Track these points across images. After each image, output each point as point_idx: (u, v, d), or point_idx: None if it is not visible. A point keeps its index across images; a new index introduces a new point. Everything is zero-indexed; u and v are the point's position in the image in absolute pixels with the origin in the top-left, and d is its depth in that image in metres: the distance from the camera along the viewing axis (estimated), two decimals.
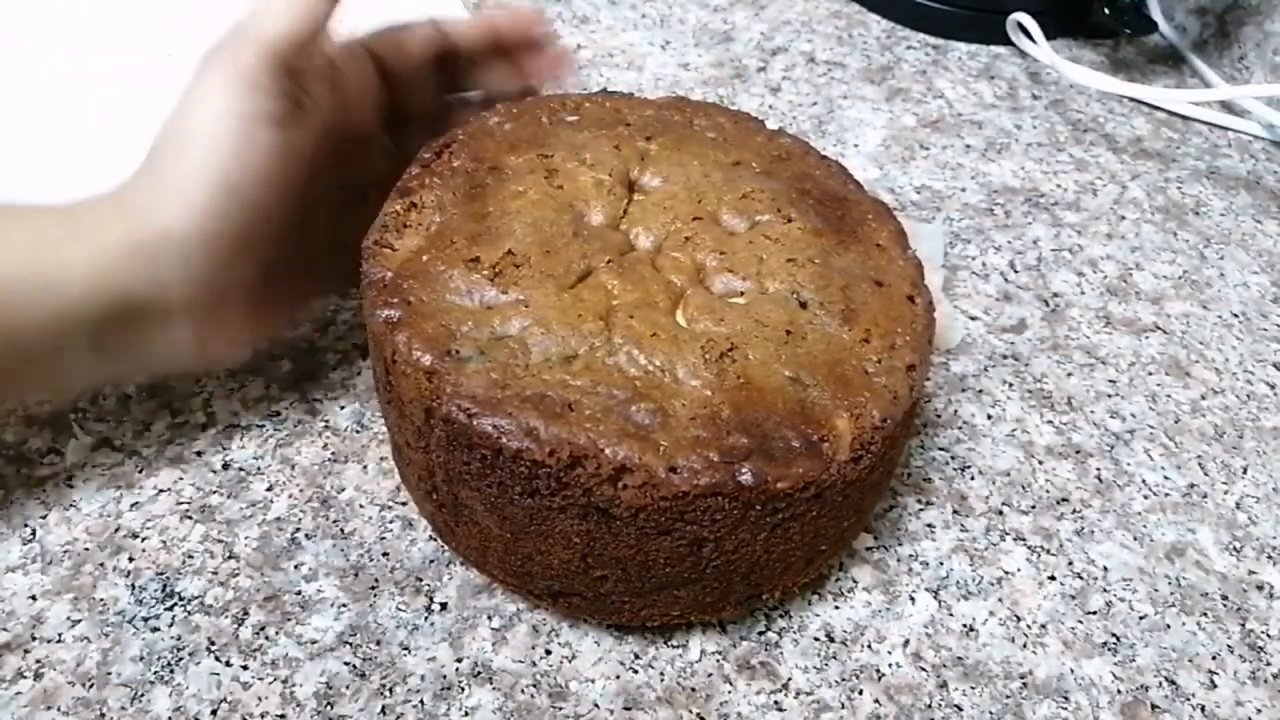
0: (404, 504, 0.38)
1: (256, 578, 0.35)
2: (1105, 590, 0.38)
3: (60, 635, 0.33)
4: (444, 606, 0.35)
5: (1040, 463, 0.42)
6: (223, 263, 0.33)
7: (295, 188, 0.34)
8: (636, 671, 0.34)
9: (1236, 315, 0.50)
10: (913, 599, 0.37)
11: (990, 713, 0.34)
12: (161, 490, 0.37)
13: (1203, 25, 0.67)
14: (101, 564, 0.35)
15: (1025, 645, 0.36)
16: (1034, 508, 0.41)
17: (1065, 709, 0.35)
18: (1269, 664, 0.37)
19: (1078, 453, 0.43)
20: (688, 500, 0.29)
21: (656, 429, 0.29)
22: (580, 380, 0.30)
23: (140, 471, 0.38)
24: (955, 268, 0.51)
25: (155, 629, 0.34)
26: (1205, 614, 0.38)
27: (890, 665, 0.35)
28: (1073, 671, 0.36)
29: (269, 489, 0.38)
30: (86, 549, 0.35)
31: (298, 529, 0.37)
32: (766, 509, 0.30)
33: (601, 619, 0.34)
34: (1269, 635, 0.37)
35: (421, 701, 0.33)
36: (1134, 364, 0.47)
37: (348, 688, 0.33)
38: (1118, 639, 0.37)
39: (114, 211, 0.32)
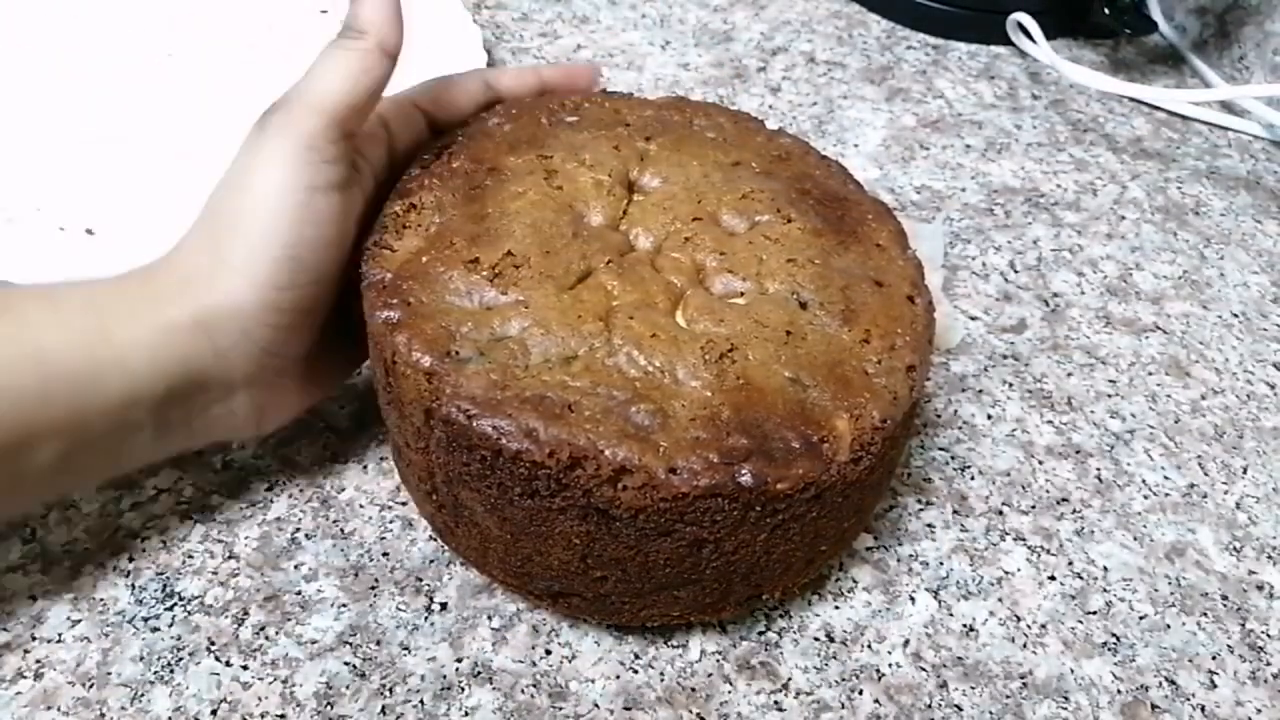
0: (404, 504, 0.38)
1: (256, 578, 0.35)
2: (1105, 590, 0.38)
3: (60, 635, 0.33)
4: (444, 606, 0.35)
5: (1040, 463, 0.42)
6: (285, 332, 0.32)
7: (351, 250, 0.34)
8: (636, 671, 0.34)
9: (1236, 315, 0.50)
10: (913, 599, 0.37)
11: (990, 713, 0.34)
12: (161, 490, 0.37)
13: (1203, 25, 0.67)
14: (101, 564, 0.35)
15: (1025, 645, 0.36)
16: (1034, 508, 0.41)
17: (1065, 709, 0.35)
18: (1269, 664, 0.37)
19: (1078, 453, 0.43)
20: (687, 501, 0.29)
21: (656, 430, 0.29)
22: (580, 381, 0.30)
23: (140, 471, 0.38)
24: (955, 268, 0.51)
25: (155, 629, 0.34)
26: (1205, 614, 0.38)
27: (890, 665, 0.35)
28: (1073, 671, 0.36)
29: (269, 489, 0.38)
30: (86, 549, 0.35)
31: (298, 529, 0.37)
32: (766, 510, 0.30)
33: (601, 619, 0.34)
34: (1269, 635, 0.37)
35: (421, 701, 0.33)
36: (1134, 364, 0.47)
37: (348, 688, 0.33)
38: (1118, 639, 0.37)
39: (175, 285, 0.31)
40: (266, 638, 0.34)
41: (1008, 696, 0.35)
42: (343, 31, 0.33)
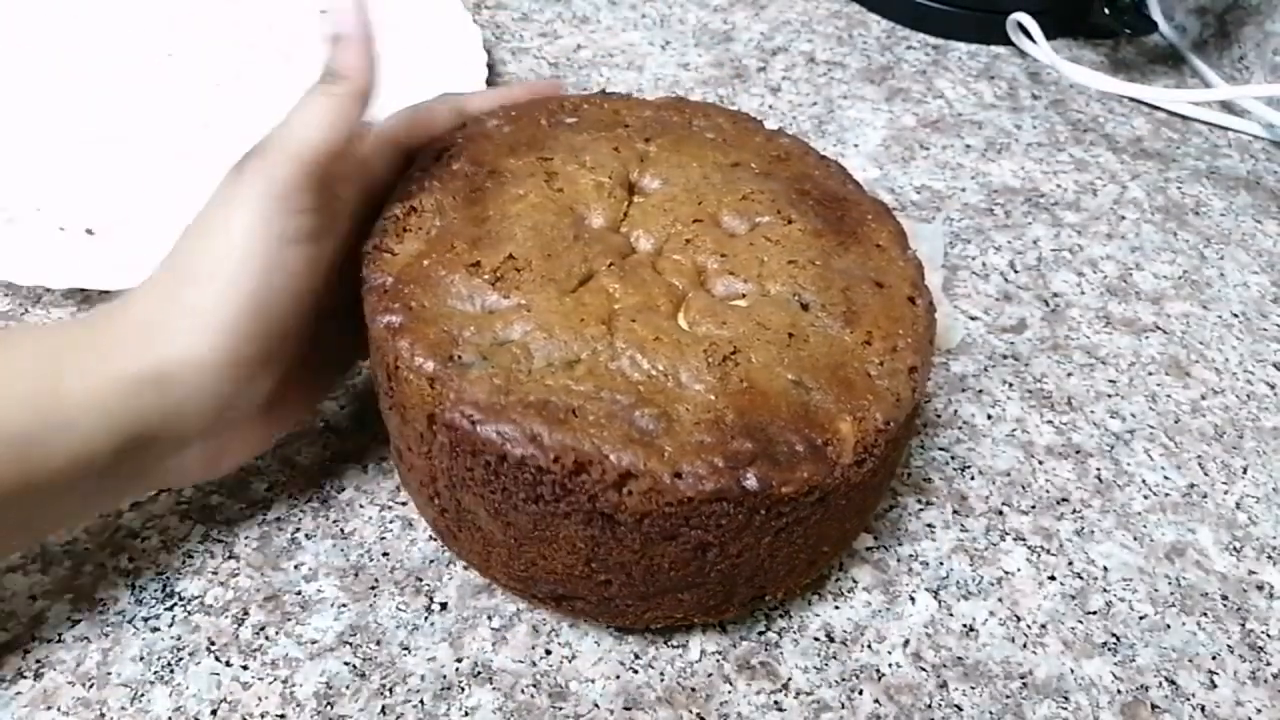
0: (404, 504, 0.38)
1: (256, 578, 0.35)
2: (1105, 590, 0.38)
3: (60, 635, 0.33)
4: (444, 606, 0.35)
5: (1040, 463, 0.42)
6: (244, 383, 0.32)
7: (320, 296, 0.33)
8: (636, 671, 0.34)
9: (1236, 315, 0.50)
10: (913, 599, 0.37)
11: (990, 713, 0.34)
12: (162, 490, 0.37)
13: (1203, 25, 0.67)
14: (101, 564, 0.35)
15: (1025, 645, 0.36)
16: (1034, 508, 0.41)
17: (1065, 709, 0.35)
18: (1269, 664, 0.37)
19: (1078, 453, 0.43)
20: (692, 506, 0.29)
21: (660, 434, 0.29)
22: (583, 385, 0.30)
23: None
24: (955, 268, 0.51)
25: (155, 629, 0.34)
26: (1205, 614, 0.38)
27: (890, 665, 0.35)
28: (1073, 671, 0.36)
29: (269, 489, 0.38)
30: (86, 549, 0.35)
31: (298, 529, 0.37)
32: (771, 513, 0.30)
33: (605, 622, 0.34)
34: (1269, 635, 0.38)
35: (421, 701, 0.33)
36: (1134, 364, 0.47)
37: (348, 688, 0.33)
38: (1118, 639, 0.37)
39: (133, 333, 0.30)
40: (266, 638, 0.34)
41: (1008, 696, 0.35)
42: (323, 76, 0.32)
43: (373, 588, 0.35)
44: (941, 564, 0.38)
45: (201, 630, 0.34)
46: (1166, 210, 0.56)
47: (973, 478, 0.41)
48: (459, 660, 0.34)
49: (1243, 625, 0.38)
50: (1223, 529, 0.41)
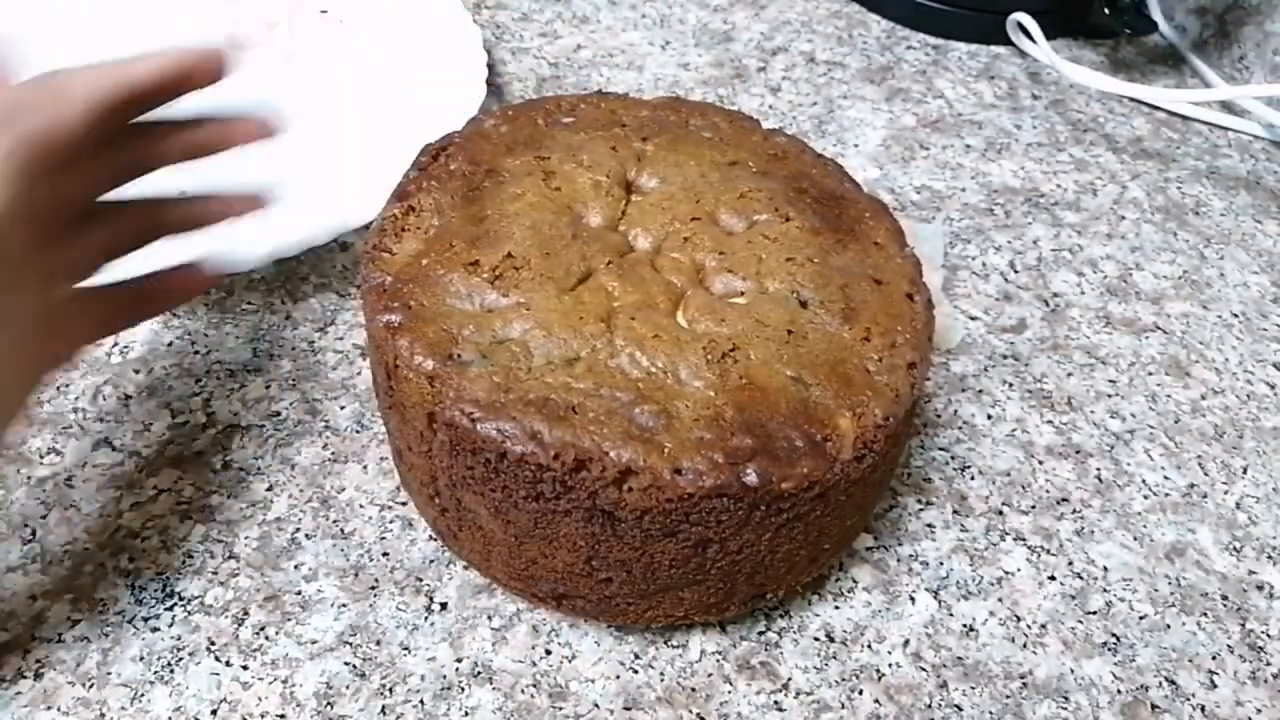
0: (404, 504, 0.38)
1: (256, 578, 0.35)
2: (1105, 590, 0.38)
3: (60, 635, 0.33)
4: (444, 606, 0.35)
5: (1040, 463, 0.42)
6: None
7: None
8: (636, 671, 0.34)
9: (1236, 315, 0.50)
10: (913, 599, 0.37)
11: (990, 713, 0.34)
12: (161, 490, 0.37)
13: (1203, 25, 0.67)
14: (101, 564, 0.35)
15: (1025, 645, 0.36)
16: (1034, 508, 0.41)
17: (1065, 709, 0.35)
18: (1269, 664, 0.37)
19: (1078, 453, 0.43)
20: (693, 502, 0.29)
21: (660, 431, 0.29)
22: (583, 383, 0.30)
23: (140, 471, 0.38)
24: (955, 268, 0.51)
25: (155, 629, 0.34)
26: (1205, 614, 0.38)
27: (890, 665, 0.35)
28: (1073, 671, 0.36)
29: (269, 489, 0.38)
30: (86, 549, 0.35)
31: (298, 529, 0.37)
32: (771, 509, 0.30)
33: (605, 621, 0.34)
34: (1269, 635, 0.37)
35: (421, 701, 0.33)
36: (1134, 364, 0.47)
37: (348, 688, 0.33)
38: (1118, 639, 0.37)
39: None
40: (266, 638, 0.34)
41: (1008, 696, 0.35)
42: None
43: (373, 588, 0.35)
44: (941, 564, 0.38)
45: (201, 630, 0.34)
46: (1166, 210, 0.56)
47: (973, 478, 0.41)
48: (459, 660, 0.34)
49: (1243, 625, 0.38)
50: (1223, 529, 0.41)
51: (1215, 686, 0.36)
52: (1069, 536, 0.40)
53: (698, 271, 0.34)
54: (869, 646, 0.36)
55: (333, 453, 0.39)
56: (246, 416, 0.40)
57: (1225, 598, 0.39)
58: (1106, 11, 0.64)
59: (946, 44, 0.66)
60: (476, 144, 0.37)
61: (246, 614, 0.34)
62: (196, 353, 0.42)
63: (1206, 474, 0.43)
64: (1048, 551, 0.39)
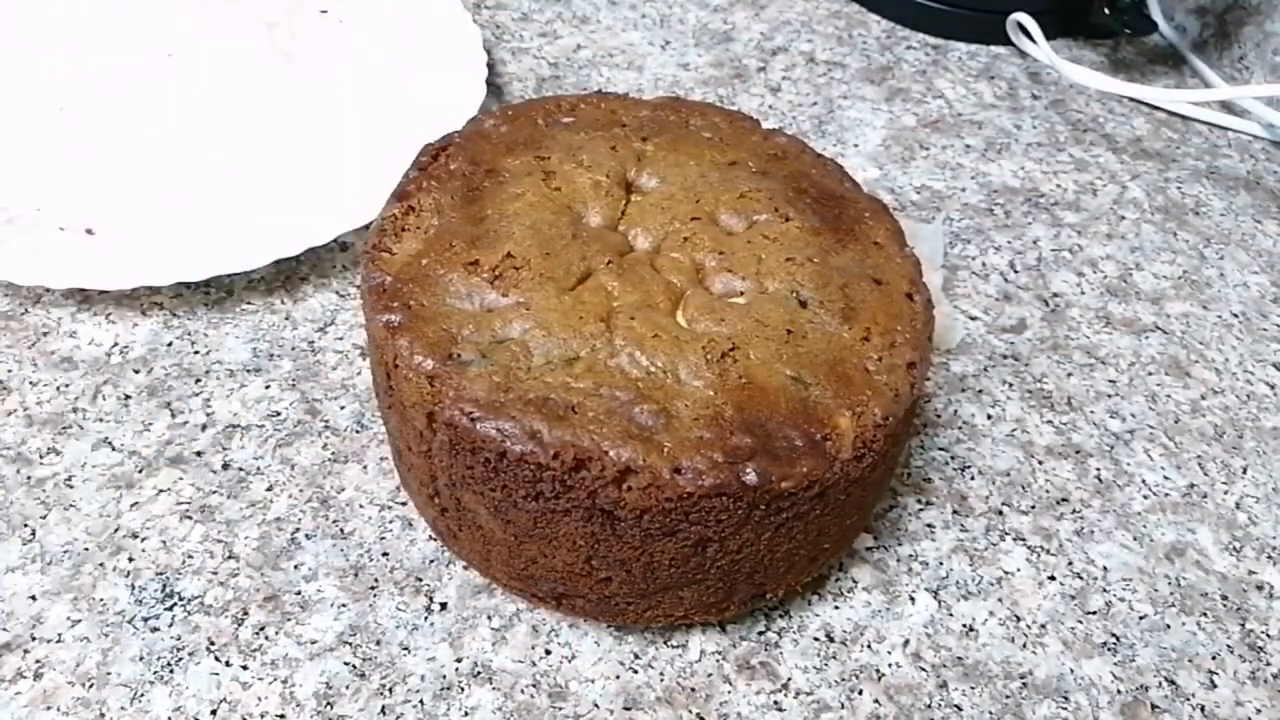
0: (404, 504, 0.38)
1: (256, 578, 0.35)
2: (1105, 590, 0.38)
3: (60, 635, 0.33)
4: (444, 606, 0.35)
5: (1040, 463, 0.42)
6: None
7: None
8: (636, 671, 0.34)
9: (1236, 315, 0.50)
10: (913, 599, 0.37)
11: (990, 713, 0.34)
12: (161, 490, 0.37)
13: (1203, 25, 0.67)
14: (101, 564, 0.35)
15: (1025, 645, 0.36)
16: (1034, 508, 0.41)
17: (1065, 709, 0.35)
18: (1269, 664, 0.37)
19: (1078, 453, 0.43)
20: (692, 501, 0.29)
21: (660, 430, 0.29)
22: (582, 382, 0.30)
23: (140, 471, 0.38)
24: (955, 268, 0.51)
25: (155, 629, 0.34)
26: (1205, 614, 0.38)
27: (890, 665, 0.35)
28: (1073, 671, 0.36)
29: (269, 489, 0.38)
30: (86, 549, 0.35)
31: (297, 529, 0.37)
32: (771, 508, 0.30)
33: (605, 620, 0.34)
34: (1269, 635, 0.37)
35: (421, 701, 0.33)
36: (1134, 364, 0.47)
37: (347, 688, 0.33)
38: (1118, 639, 0.37)
39: None
40: (266, 638, 0.34)
41: (1008, 696, 0.35)
42: None
43: (372, 588, 0.35)
44: (941, 564, 0.38)
45: (201, 630, 0.34)
46: (1166, 210, 0.56)
47: (973, 478, 0.41)
48: (459, 660, 0.34)
49: (1243, 625, 0.38)
50: (1223, 529, 0.41)
51: (1215, 686, 0.36)
52: (1069, 536, 0.40)
53: (697, 271, 0.34)
54: (869, 646, 0.36)
55: (332, 453, 0.39)
56: (246, 416, 0.40)
57: (1225, 598, 0.39)
58: (1106, 12, 0.64)
59: (946, 44, 0.66)
60: (476, 144, 0.37)
61: (246, 614, 0.34)
62: (196, 352, 0.42)
63: (1206, 474, 0.43)
64: (1048, 551, 0.39)
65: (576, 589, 0.32)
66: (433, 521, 0.35)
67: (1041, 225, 0.54)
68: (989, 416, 0.44)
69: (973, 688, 0.35)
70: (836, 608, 0.37)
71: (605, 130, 0.38)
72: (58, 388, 0.40)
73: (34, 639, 0.33)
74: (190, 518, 0.37)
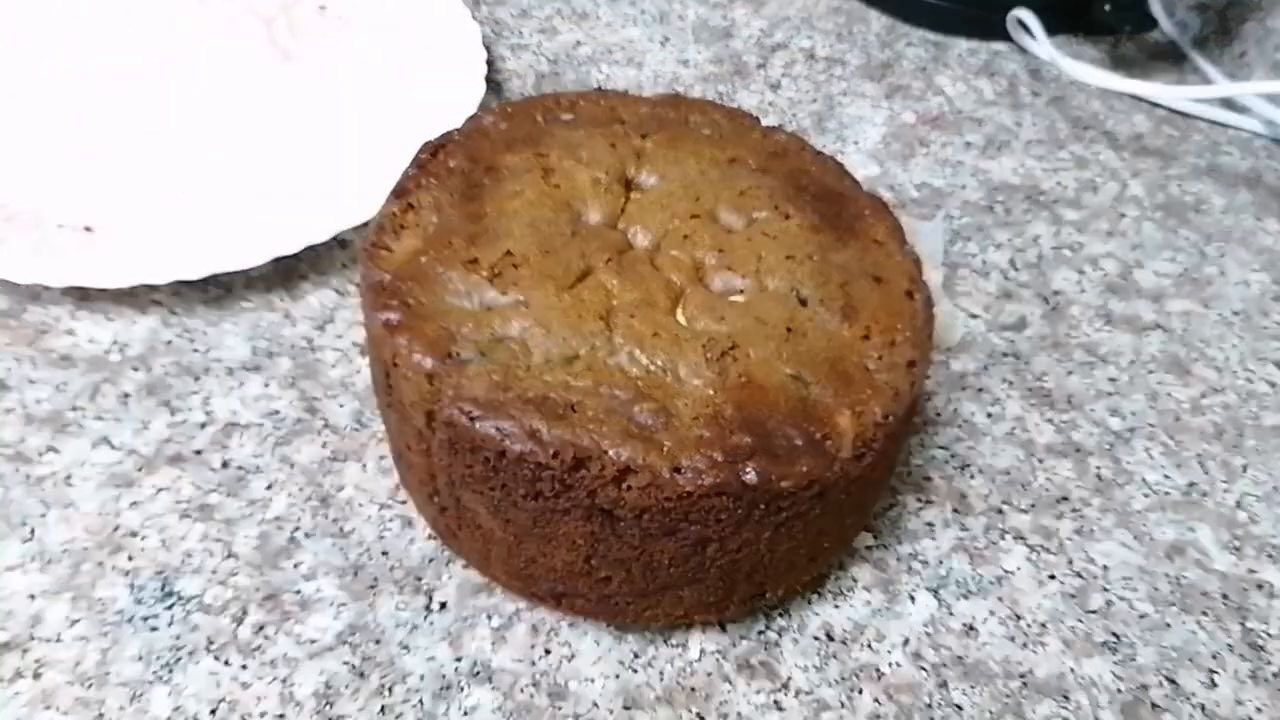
0: (403, 503, 0.38)
1: (256, 577, 0.35)
2: (1105, 589, 0.38)
3: (59, 635, 0.33)
4: (443, 606, 0.35)
5: (1040, 461, 0.42)
6: None
7: None
8: (636, 671, 0.34)
9: (1237, 313, 0.50)
10: (912, 598, 0.37)
11: (990, 712, 0.34)
12: (161, 489, 0.37)
13: (1204, 22, 0.67)
14: (100, 563, 0.35)
15: (1025, 644, 0.36)
16: (1034, 506, 0.41)
17: (1065, 708, 0.35)
18: (1269, 663, 0.37)
19: (1078, 451, 0.43)
20: (692, 500, 0.29)
21: (660, 429, 0.29)
22: (582, 381, 0.30)
23: (139, 470, 0.38)
24: (955, 265, 0.50)
25: (154, 628, 0.34)
26: (1205, 613, 0.38)
27: (890, 664, 0.35)
28: (1073, 671, 0.36)
29: (268, 488, 0.38)
30: (85, 548, 0.35)
31: (297, 528, 0.37)
32: (770, 508, 0.30)
33: (604, 620, 0.34)
34: (1269, 634, 0.37)
35: (421, 701, 0.33)
36: (1134, 362, 0.47)
37: (347, 687, 0.33)
38: (1118, 638, 0.37)
39: None
40: (265, 637, 0.34)
41: (1008, 696, 0.35)
42: None
43: (372, 587, 0.35)
44: (941, 563, 0.38)
45: (200, 630, 0.34)
46: (1167, 208, 0.56)
47: (972, 476, 0.41)
48: (458, 659, 0.34)
49: (1243, 624, 0.38)
50: (1223, 528, 0.41)
51: (1215, 686, 0.36)
52: (1069, 535, 0.40)
53: (697, 269, 0.34)
54: (869, 646, 0.36)
55: (332, 451, 0.39)
56: (245, 415, 0.40)
57: (1225, 597, 0.38)
58: (1107, 8, 0.63)
59: (946, 40, 0.66)
60: (476, 141, 0.37)
61: (245, 613, 0.34)
62: (195, 351, 0.42)
63: (1207, 472, 0.43)
64: (1048, 550, 0.39)
65: (576, 588, 0.32)
66: (432, 520, 0.35)
67: (1042, 222, 0.54)
68: (989, 415, 0.44)
69: (973, 687, 0.35)
70: (836, 607, 0.37)
71: (605, 127, 0.38)
72: (56, 386, 0.40)
73: (33, 638, 0.33)
74: (189, 516, 0.37)
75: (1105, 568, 0.39)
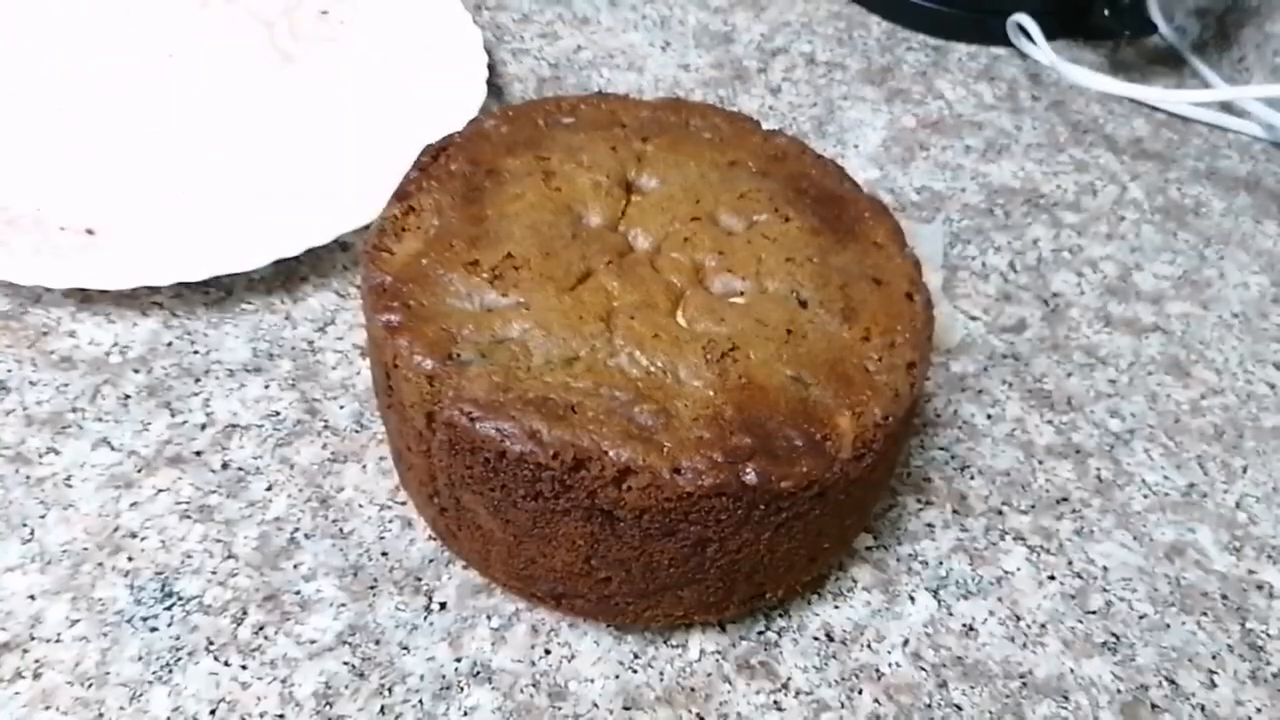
0: (403, 503, 0.38)
1: (255, 577, 0.35)
2: (1105, 590, 0.38)
3: (59, 635, 0.33)
4: (443, 606, 0.35)
5: (1040, 462, 0.42)
6: None
7: None
8: (636, 671, 0.34)
9: (1236, 315, 0.50)
10: (912, 599, 0.37)
11: (990, 712, 0.34)
12: (160, 490, 0.37)
13: (1203, 26, 0.67)
14: (100, 564, 0.35)
15: (1025, 645, 0.36)
16: (1034, 507, 0.41)
17: (1065, 709, 0.35)
18: (1269, 664, 0.37)
19: (1077, 452, 0.43)
20: (692, 501, 0.29)
21: (660, 430, 0.29)
22: (582, 382, 0.30)
23: (139, 471, 0.38)
24: (955, 268, 0.51)
25: (154, 629, 0.34)
26: (1205, 614, 0.38)
27: (890, 665, 0.35)
28: (1073, 671, 0.36)
29: (268, 489, 0.38)
30: (85, 549, 0.35)
31: (297, 529, 0.37)
32: (770, 508, 0.30)
33: (604, 620, 0.34)
34: (1269, 635, 0.37)
35: (420, 701, 0.33)
36: (1134, 364, 0.47)
37: (347, 687, 0.33)
38: (1118, 639, 0.37)
39: None
40: (265, 638, 0.34)
41: (1007, 696, 0.35)
42: None
43: (372, 587, 0.35)
44: (941, 563, 0.38)
45: (200, 630, 0.34)
46: (1166, 211, 0.56)
47: (972, 477, 0.41)
48: (458, 660, 0.34)
49: (1243, 625, 0.38)
50: (1223, 529, 0.41)
51: (1215, 686, 0.36)
52: (1069, 536, 0.40)
53: (697, 271, 0.34)
54: (869, 646, 0.36)
55: (332, 452, 0.39)
56: (245, 416, 0.40)
57: (1225, 597, 0.39)
58: (1107, 13, 0.64)
59: (946, 45, 0.66)
60: (477, 144, 0.37)
61: (245, 614, 0.34)
62: (196, 352, 0.42)
63: (1206, 474, 0.43)
64: (1047, 551, 0.39)
65: (576, 589, 0.32)
66: (432, 521, 0.35)
67: (1041, 226, 0.54)
68: (989, 416, 0.44)
69: (973, 687, 0.35)
70: (836, 607, 0.37)
71: (605, 131, 0.38)
72: (57, 387, 0.40)
73: (33, 639, 0.33)
74: (189, 517, 0.37)
75: (1105, 568, 0.39)
